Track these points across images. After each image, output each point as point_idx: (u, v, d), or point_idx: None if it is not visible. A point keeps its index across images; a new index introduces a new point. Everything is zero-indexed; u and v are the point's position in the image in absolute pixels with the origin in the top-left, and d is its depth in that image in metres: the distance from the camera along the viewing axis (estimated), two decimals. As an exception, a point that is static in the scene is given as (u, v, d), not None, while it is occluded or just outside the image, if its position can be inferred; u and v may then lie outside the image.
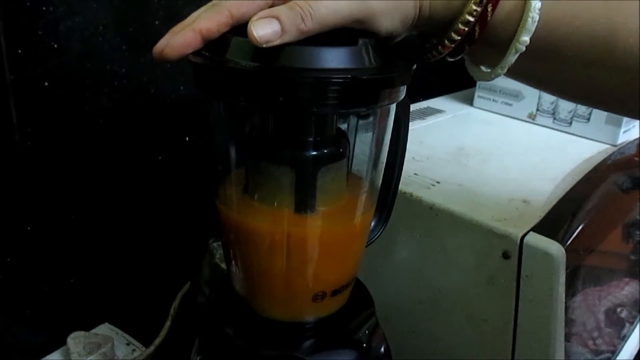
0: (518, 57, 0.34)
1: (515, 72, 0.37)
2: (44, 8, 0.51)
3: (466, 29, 0.33)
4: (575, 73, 0.36)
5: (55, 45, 0.53)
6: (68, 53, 0.54)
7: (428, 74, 0.82)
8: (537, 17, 0.33)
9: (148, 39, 0.59)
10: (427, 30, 0.35)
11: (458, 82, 0.93)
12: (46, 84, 0.53)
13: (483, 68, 0.38)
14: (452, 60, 0.37)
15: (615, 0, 0.34)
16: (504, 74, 0.36)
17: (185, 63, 0.33)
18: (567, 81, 0.38)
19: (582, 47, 0.34)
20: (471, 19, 0.33)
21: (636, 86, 0.35)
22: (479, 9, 0.32)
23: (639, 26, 0.34)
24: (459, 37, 0.34)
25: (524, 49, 0.34)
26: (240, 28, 0.31)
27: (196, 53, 0.32)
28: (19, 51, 0.50)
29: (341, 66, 0.31)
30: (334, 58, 0.31)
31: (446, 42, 0.34)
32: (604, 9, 0.34)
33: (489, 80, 0.38)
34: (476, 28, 0.33)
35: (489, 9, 0.33)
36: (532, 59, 0.35)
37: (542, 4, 0.33)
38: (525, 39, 0.33)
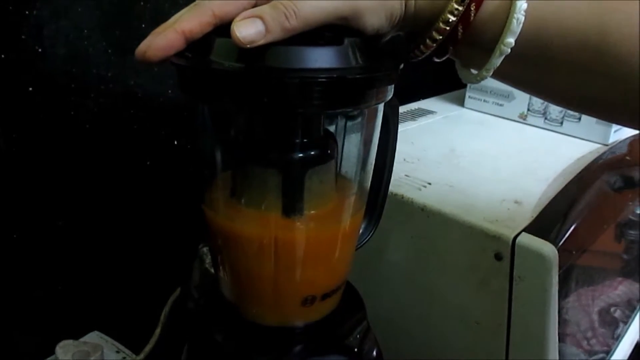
0: (507, 60, 0.33)
1: (503, 75, 0.36)
2: (27, 12, 0.50)
3: (448, 28, 0.32)
4: (565, 78, 0.35)
5: (40, 50, 0.52)
6: (53, 57, 0.53)
7: (419, 75, 0.82)
8: (522, 19, 0.32)
9: (134, 43, 0.58)
10: (412, 29, 0.34)
11: (449, 83, 0.93)
12: (31, 89, 0.53)
13: (472, 70, 0.37)
14: (438, 60, 0.36)
15: (607, 4, 0.33)
16: (493, 77, 0.36)
17: (172, 66, 0.32)
18: (557, 86, 0.37)
19: (571, 51, 0.33)
20: (453, 18, 0.32)
21: (628, 93, 0.34)
22: (460, 8, 0.32)
23: (632, 31, 0.33)
24: (441, 37, 0.33)
25: (509, 51, 0.33)
26: (223, 28, 0.31)
27: (179, 55, 0.31)
28: (2, 56, 0.50)
29: (327, 66, 0.30)
30: (319, 58, 0.30)
31: (428, 41, 0.33)
32: (595, 12, 0.33)
33: (476, 83, 0.37)
34: (459, 28, 0.33)
35: (472, 9, 0.32)
36: (520, 62, 0.34)
37: (528, 5, 0.32)
38: (510, 40, 0.32)
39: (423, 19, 0.33)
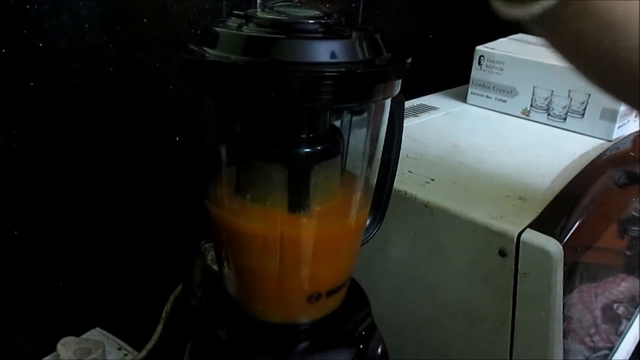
0: (546, 16, 0.33)
1: (547, 26, 0.36)
2: (28, 6, 0.50)
3: None
4: (598, 38, 0.35)
5: (41, 44, 0.52)
6: (54, 52, 0.53)
7: (421, 71, 0.82)
8: None
9: (136, 38, 0.58)
10: None
11: (451, 79, 0.92)
12: (31, 84, 0.52)
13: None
14: None
15: None
16: (535, 26, 0.35)
17: (174, 61, 0.32)
18: (589, 46, 0.36)
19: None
20: None
21: (630, 69, 0.34)
22: None
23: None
24: None
25: None
26: (230, 23, 0.30)
27: (185, 48, 0.31)
28: (3, 50, 0.49)
29: (334, 60, 0.30)
30: (326, 51, 0.30)
31: None
32: None
33: (524, 20, 0.36)
34: None
35: None
36: (565, 15, 0.34)
37: None
38: None
39: None
